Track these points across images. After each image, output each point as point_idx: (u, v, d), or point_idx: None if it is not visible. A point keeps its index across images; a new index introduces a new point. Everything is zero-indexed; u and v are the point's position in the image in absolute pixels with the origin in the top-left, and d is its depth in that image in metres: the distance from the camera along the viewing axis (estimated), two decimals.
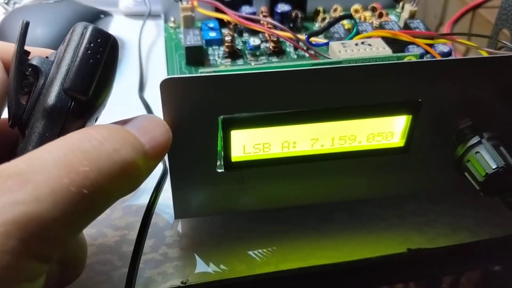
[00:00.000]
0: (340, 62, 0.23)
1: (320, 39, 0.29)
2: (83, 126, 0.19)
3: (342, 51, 0.24)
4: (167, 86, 0.20)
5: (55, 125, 0.18)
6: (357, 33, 0.27)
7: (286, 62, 0.34)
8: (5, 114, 0.21)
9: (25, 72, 0.19)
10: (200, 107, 0.21)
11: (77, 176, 0.16)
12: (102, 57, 0.19)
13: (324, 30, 0.27)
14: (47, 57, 0.20)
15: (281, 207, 0.26)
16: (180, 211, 0.25)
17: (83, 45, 0.19)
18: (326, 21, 0.38)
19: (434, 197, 0.28)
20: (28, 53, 0.20)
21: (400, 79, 0.21)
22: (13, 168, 0.15)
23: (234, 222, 0.27)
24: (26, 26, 0.20)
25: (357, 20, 0.38)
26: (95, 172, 0.16)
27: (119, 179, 0.17)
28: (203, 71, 0.23)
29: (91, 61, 0.19)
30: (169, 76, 0.19)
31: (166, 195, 0.25)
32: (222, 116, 0.21)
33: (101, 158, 0.17)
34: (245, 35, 0.37)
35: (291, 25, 0.37)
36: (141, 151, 0.18)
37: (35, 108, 0.19)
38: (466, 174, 0.23)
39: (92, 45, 0.19)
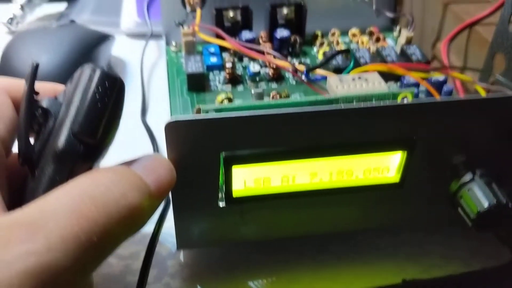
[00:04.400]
0: (337, 99, 0.24)
1: (319, 71, 0.30)
2: (91, 166, 0.20)
3: (339, 87, 0.25)
4: (171, 128, 0.20)
5: (65, 168, 0.19)
6: (355, 65, 0.28)
7: (284, 88, 0.35)
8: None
9: (35, 112, 0.20)
10: (203, 145, 0.21)
11: (86, 223, 0.16)
12: (109, 100, 0.19)
13: (322, 65, 0.28)
14: (55, 98, 0.21)
15: (280, 237, 0.27)
16: (182, 242, 0.25)
17: (92, 89, 0.19)
18: (324, 45, 0.39)
19: (429, 226, 0.29)
20: (37, 93, 0.21)
21: (395, 119, 0.22)
22: (25, 217, 0.16)
23: (235, 252, 0.27)
24: (35, 68, 0.20)
25: (355, 46, 0.39)
26: (103, 218, 0.17)
27: (126, 223, 0.18)
28: (206, 109, 0.24)
29: (99, 105, 0.19)
30: (174, 119, 0.20)
31: (168, 223, 0.26)
32: (223, 153, 0.22)
33: (109, 203, 0.17)
34: (245, 59, 0.37)
35: (290, 49, 0.38)
36: (146, 192, 0.19)
37: (44, 149, 0.20)
38: (459, 209, 0.23)
39: (100, 89, 0.19)
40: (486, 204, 0.22)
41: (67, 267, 0.16)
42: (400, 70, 0.27)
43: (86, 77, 0.20)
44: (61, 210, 0.16)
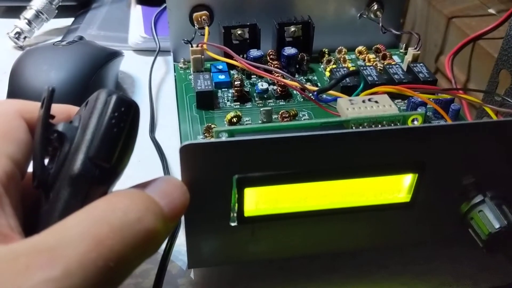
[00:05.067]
0: (348, 121, 0.24)
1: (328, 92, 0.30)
2: (106, 190, 0.20)
3: (350, 109, 0.25)
4: (186, 152, 0.21)
5: (80, 193, 0.19)
6: (364, 87, 0.28)
7: (292, 105, 0.35)
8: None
9: (50, 137, 0.20)
10: (217, 168, 0.22)
11: (103, 249, 0.17)
12: (125, 125, 0.20)
13: (332, 87, 0.29)
14: (70, 122, 0.21)
15: (290, 256, 0.27)
16: (193, 260, 0.25)
17: (108, 114, 0.19)
18: (332, 63, 0.39)
19: (438, 246, 0.29)
20: (53, 117, 0.21)
21: (405, 141, 0.22)
22: (43, 243, 0.16)
23: (245, 271, 0.27)
24: (52, 92, 0.20)
25: (362, 63, 0.40)
26: (120, 244, 0.17)
27: (141, 247, 0.18)
28: (218, 131, 0.24)
29: (115, 129, 0.19)
30: (188, 142, 0.20)
31: (179, 241, 0.26)
32: (236, 176, 0.22)
33: (125, 229, 0.17)
34: (253, 77, 0.38)
35: (297, 66, 0.38)
36: (160, 215, 0.19)
37: (60, 173, 0.20)
38: (470, 230, 0.24)
39: (116, 114, 0.19)
40: (497, 226, 0.22)
41: None
42: (409, 92, 0.27)
43: (102, 102, 0.20)
44: (79, 236, 0.17)
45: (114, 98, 0.20)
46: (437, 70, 0.40)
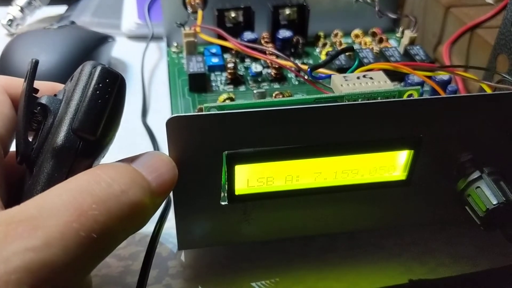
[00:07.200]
0: (342, 97, 0.24)
1: (322, 70, 0.29)
2: (91, 164, 0.19)
3: (344, 85, 0.25)
4: (173, 125, 0.20)
5: (64, 165, 0.19)
6: (359, 64, 0.28)
7: (287, 88, 0.34)
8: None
9: (34, 110, 0.20)
10: (205, 143, 0.21)
11: (87, 220, 0.16)
12: (110, 97, 0.19)
13: (326, 63, 0.28)
14: (55, 95, 0.20)
15: (284, 237, 0.26)
16: (183, 242, 0.25)
17: (92, 85, 0.19)
18: (327, 46, 0.38)
19: (435, 225, 0.28)
20: (36, 90, 0.20)
21: (401, 115, 0.21)
22: (24, 213, 0.16)
23: (238, 252, 0.27)
24: (35, 64, 0.20)
25: (358, 47, 0.39)
26: (104, 215, 0.16)
27: (127, 220, 0.17)
28: (208, 106, 0.23)
29: (99, 101, 0.19)
30: (175, 115, 0.20)
31: (169, 224, 0.25)
32: (226, 152, 0.22)
33: (110, 200, 0.17)
34: (247, 60, 0.37)
35: (292, 50, 0.38)
36: (148, 190, 0.19)
37: (43, 146, 0.19)
38: (467, 208, 0.23)
39: (100, 85, 0.19)
40: (494, 202, 0.21)
41: (66, 264, 0.15)
42: (405, 69, 0.26)
43: (87, 74, 0.19)
44: (61, 206, 0.16)
45: (98, 69, 0.19)
46: (435, 60, 0.40)
